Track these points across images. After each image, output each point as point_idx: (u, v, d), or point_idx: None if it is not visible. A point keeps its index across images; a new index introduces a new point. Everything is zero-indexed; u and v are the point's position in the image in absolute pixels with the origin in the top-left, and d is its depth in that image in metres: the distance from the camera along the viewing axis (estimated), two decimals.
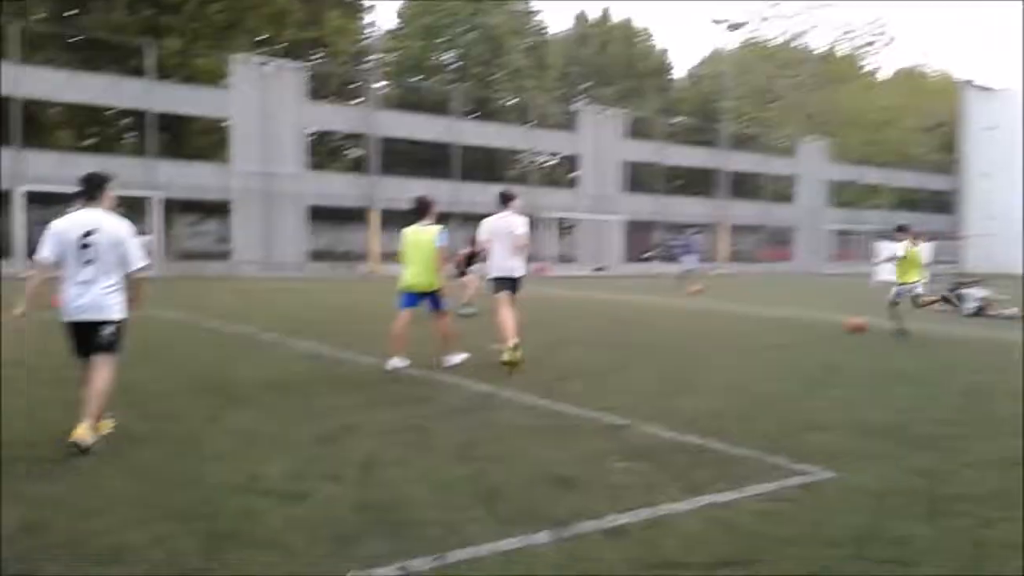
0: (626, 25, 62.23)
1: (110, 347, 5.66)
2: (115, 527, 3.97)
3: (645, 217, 45.06)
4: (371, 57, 43.75)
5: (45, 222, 6.19)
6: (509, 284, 9.04)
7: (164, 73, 31.34)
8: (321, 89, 40.73)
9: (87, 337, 5.61)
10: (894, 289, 13.07)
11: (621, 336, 12.77)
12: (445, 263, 8.89)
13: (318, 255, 36.56)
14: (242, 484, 4.70)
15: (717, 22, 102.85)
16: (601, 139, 42.47)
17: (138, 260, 5.72)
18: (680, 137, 50.93)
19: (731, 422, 6.47)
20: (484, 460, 5.31)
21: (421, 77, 47.57)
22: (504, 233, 8.96)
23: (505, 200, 9.09)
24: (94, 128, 36.68)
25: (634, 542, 3.95)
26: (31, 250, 19.52)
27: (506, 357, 8.56)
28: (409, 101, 43.44)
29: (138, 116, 32.47)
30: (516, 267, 9.05)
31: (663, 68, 63.60)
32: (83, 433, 5.26)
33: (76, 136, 35.31)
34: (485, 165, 44.37)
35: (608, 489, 4.74)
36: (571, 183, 46.40)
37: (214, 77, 33.79)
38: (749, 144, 52.56)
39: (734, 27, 55.95)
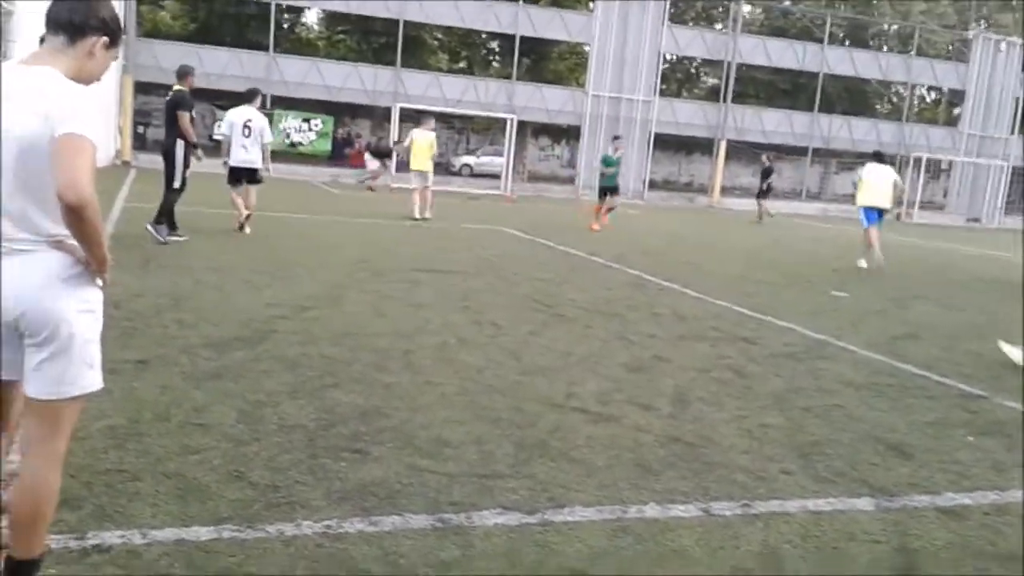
0: None
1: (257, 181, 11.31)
2: (438, 422, 4.27)
3: None
4: None
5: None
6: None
7: None
8: (683, 13, 39.98)
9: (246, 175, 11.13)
10: None
11: (981, 296, 11.24)
12: None
13: (658, 184, 36.47)
14: (555, 399, 4.82)
15: None
16: (995, 72, 37.00)
17: (269, 136, 11.31)
18: None
19: None
20: (804, 412, 4.98)
21: (790, 1, 44.72)
22: None
23: None
24: (465, 51, 39.32)
25: (974, 526, 3.55)
26: (398, 164, 21.65)
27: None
28: (775, 26, 41.18)
29: (505, 40, 34.14)
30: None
31: None
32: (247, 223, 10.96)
33: (449, 59, 38.08)
34: (851, 97, 41.00)
35: (951, 464, 4.28)
36: (952, 121, 41.22)
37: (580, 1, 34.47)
38: None
39: None
